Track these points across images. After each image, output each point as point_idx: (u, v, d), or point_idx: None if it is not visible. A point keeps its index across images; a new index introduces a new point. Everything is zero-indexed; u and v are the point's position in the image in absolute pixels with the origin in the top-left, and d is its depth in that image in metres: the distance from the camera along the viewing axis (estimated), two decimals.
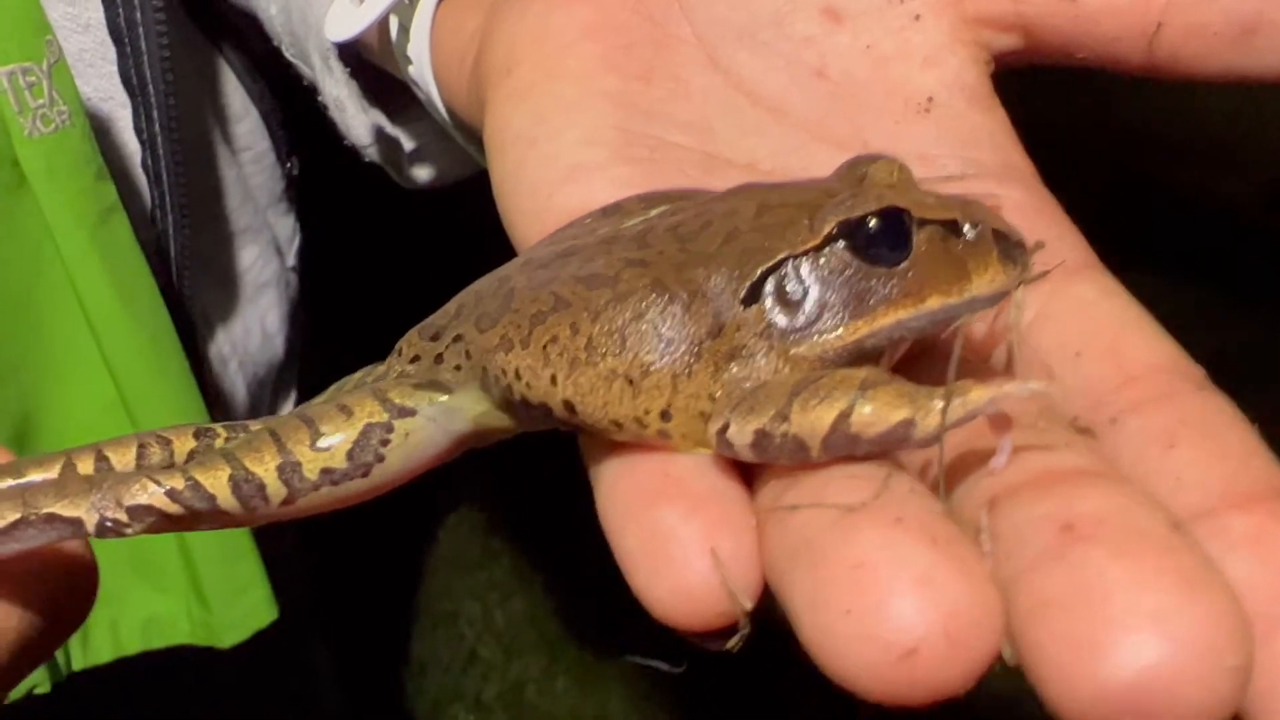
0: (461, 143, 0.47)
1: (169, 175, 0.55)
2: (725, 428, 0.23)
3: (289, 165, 0.70)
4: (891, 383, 0.22)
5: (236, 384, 0.68)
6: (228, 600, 0.54)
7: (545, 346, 0.25)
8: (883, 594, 0.19)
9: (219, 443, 0.29)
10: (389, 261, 1.33)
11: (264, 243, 0.69)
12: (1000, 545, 0.20)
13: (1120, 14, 0.31)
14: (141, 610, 0.54)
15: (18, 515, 0.25)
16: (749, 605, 0.21)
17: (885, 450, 0.22)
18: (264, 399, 0.69)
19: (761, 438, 0.22)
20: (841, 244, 0.24)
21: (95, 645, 0.53)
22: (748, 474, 0.24)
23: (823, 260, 0.24)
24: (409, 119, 0.52)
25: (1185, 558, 0.19)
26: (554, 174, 0.31)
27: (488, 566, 1.64)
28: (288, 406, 0.71)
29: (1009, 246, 0.25)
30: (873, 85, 0.33)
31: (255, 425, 0.29)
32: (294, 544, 0.65)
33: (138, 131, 0.54)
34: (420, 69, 0.44)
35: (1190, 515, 0.21)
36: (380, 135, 0.52)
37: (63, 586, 0.27)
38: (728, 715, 1.39)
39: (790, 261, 0.24)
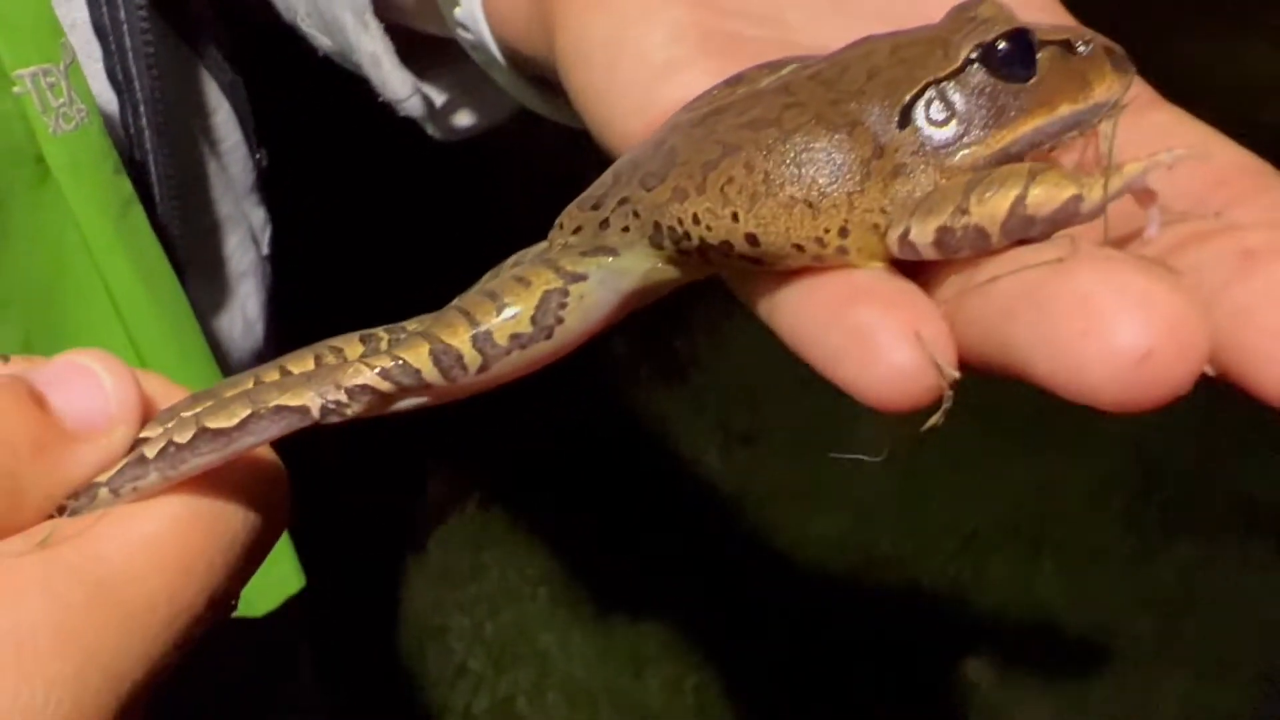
0: (504, 83, 0.48)
1: (156, 168, 0.58)
2: (907, 232, 0.26)
3: (259, 157, 0.73)
4: (1054, 168, 0.26)
5: (221, 371, 0.70)
6: (260, 571, 0.56)
7: (723, 188, 0.27)
8: (1115, 313, 0.22)
9: (383, 345, 0.32)
10: (356, 249, 1.35)
11: (242, 232, 0.72)
12: (1190, 278, 0.23)
13: None
14: None
15: (248, 411, 0.27)
16: (956, 374, 0.24)
17: (1058, 227, 0.25)
18: None
19: (943, 234, 0.26)
20: (977, 65, 0.28)
21: None
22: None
23: (963, 81, 0.28)
24: (436, 76, 0.55)
25: None
26: (650, 71, 0.33)
27: (477, 580, 1.65)
28: None
29: (1118, 59, 0.29)
30: None
31: (412, 325, 0.32)
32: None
33: (124, 127, 0.56)
34: (469, 7, 0.46)
35: None
36: (418, 87, 0.55)
37: (272, 490, 0.29)
38: None
39: (934, 86, 0.28)
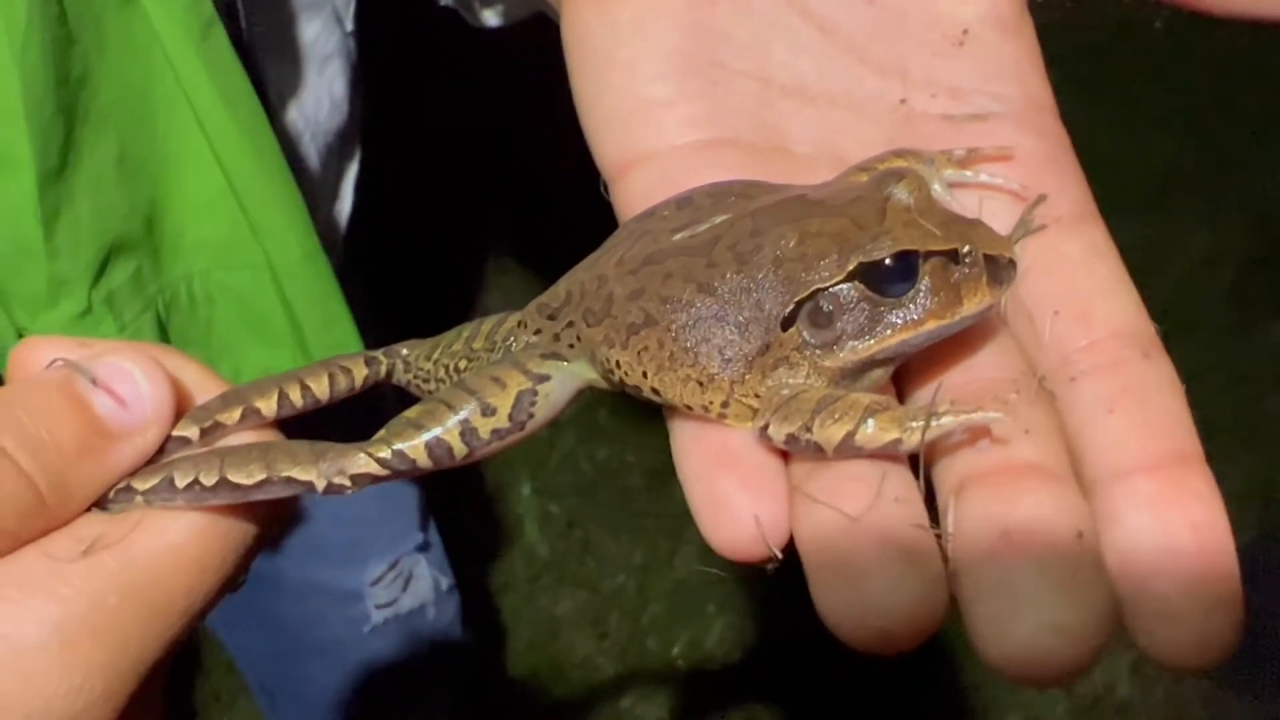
0: None
1: None
2: (766, 427, 0.32)
3: None
4: (888, 410, 0.30)
5: (310, 155, 0.72)
6: (328, 355, 0.61)
7: (639, 352, 0.34)
8: (868, 586, 0.28)
9: (383, 368, 0.40)
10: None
11: (326, 14, 0.70)
12: (958, 535, 0.29)
13: None
14: (257, 361, 0.61)
15: (264, 476, 0.33)
16: (779, 555, 0.30)
17: (881, 457, 0.31)
18: (332, 165, 0.73)
19: (791, 440, 0.31)
20: (859, 282, 0.32)
21: None
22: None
23: (844, 293, 0.32)
24: None
25: (1081, 564, 0.28)
26: (633, 104, 0.37)
27: None
28: (352, 169, 0.75)
29: (998, 269, 0.32)
30: (914, 14, 0.37)
31: (419, 373, 0.40)
32: (365, 312, 0.70)
33: None
34: None
35: (1112, 475, 0.30)
36: None
37: (275, 503, 0.34)
38: None
39: (820, 294, 0.32)
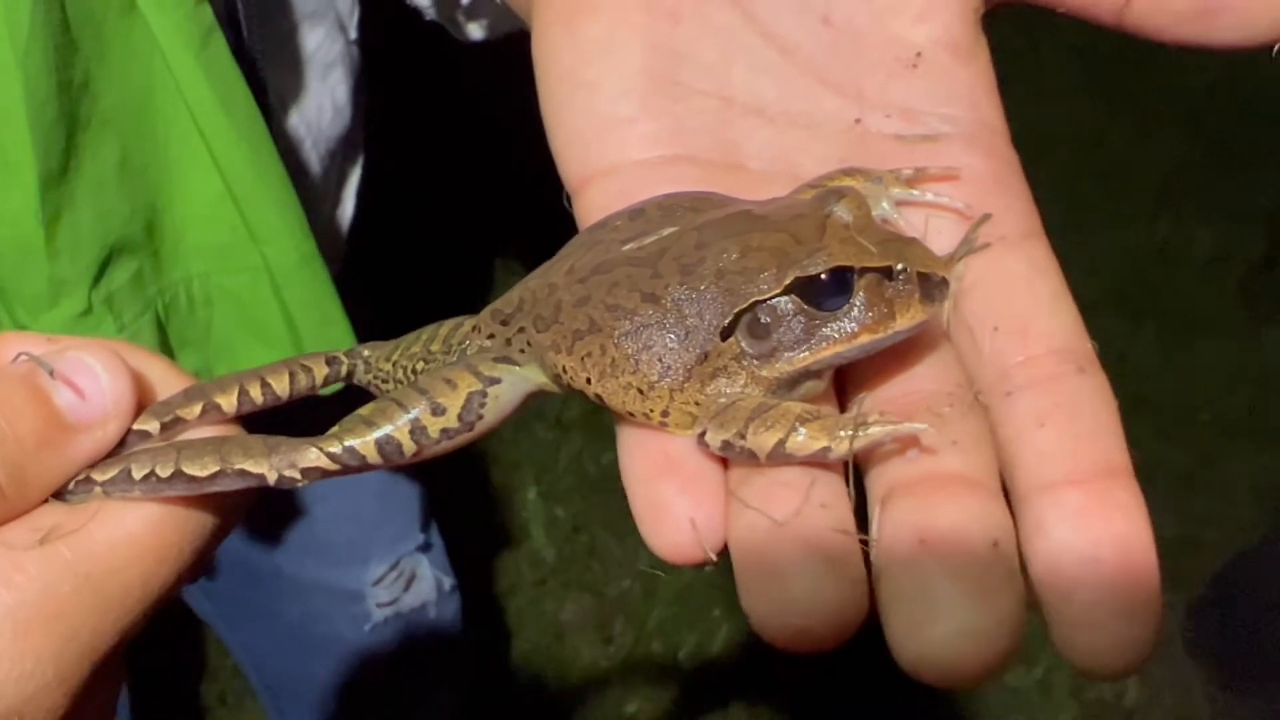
0: (503, 4, 0.51)
1: None
2: (704, 433, 0.33)
3: None
4: (817, 418, 0.32)
5: (310, 161, 0.72)
6: None
7: (583, 358, 0.35)
8: (790, 587, 0.29)
9: (343, 369, 0.41)
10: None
11: (329, 22, 0.71)
12: (881, 541, 0.30)
13: None
14: (255, 362, 0.62)
15: (217, 468, 0.34)
16: (714, 557, 0.32)
17: (812, 464, 0.32)
18: (333, 171, 0.73)
19: (726, 446, 0.32)
20: (795, 295, 0.33)
21: None
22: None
23: (780, 306, 0.33)
24: None
25: (994, 572, 0.29)
26: (596, 123, 0.38)
27: None
28: (354, 175, 0.75)
29: (931, 287, 0.33)
30: (870, 36, 0.38)
31: (363, 362, 0.42)
32: (364, 314, 0.70)
33: None
34: None
35: (1040, 487, 0.31)
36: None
37: (230, 496, 0.35)
38: None
39: (758, 306, 0.33)
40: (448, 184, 1.77)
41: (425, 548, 0.95)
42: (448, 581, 0.97)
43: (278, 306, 0.61)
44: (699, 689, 1.52)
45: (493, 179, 1.80)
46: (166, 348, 0.60)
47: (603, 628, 1.56)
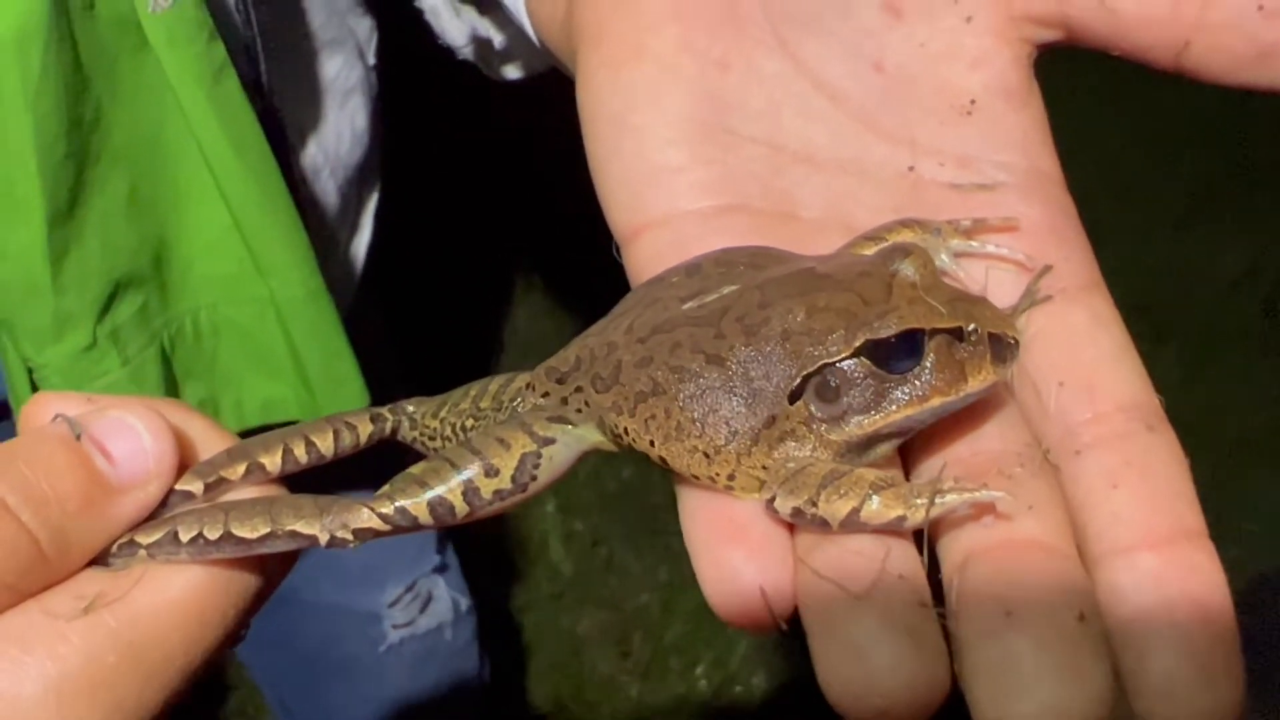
0: (541, 48, 0.51)
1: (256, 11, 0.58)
2: (773, 499, 0.32)
3: None
4: (892, 486, 0.31)
5: (328, 190, 0.73)
6: (329, 390, 0.62)
7: (646, 421, 0.34)
8: (871, 663, 0.29)
9: (388, 425, 0.40)
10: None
11: (348, 50, 0.72)
12: (961, 611, 0.30)
13: (1154, 28, 0.34)
14: (259, 393, 0.62)
15: (268, 530, 0.33)
16: (784, 626, 0.31)
17: (885, 532, 0.31)
18: (352, 199, 0.74)
19: (797, 514, 0.32)
20: (865, 359, 0.32)
21: (224, 421, 0.62)
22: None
23: (850, 368, 0.32)
24: (497, 21, 0.58)
25: (1083, 645, 0.28)
26: (645, 169, 0.38)
27: None
28: (372, 201, 0.76)
29: (1002, 348, 0.33)
30: (923, 83, 0.37)
31: (422, 431, 0.40)
32: (382, 339, 0.71)
33: None
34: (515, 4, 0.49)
35: (1115, 551, 0.31)
36: (473, 36, 0.58)
37: (274, 556, 0.35)
38: None
39: (827, 369, 0.32)
40: (465, 208, 1.78)
41: (441, 569, 0.95)
42: (464, 602, 0.98)
43: (283, 339, 0.61)
44: (717, 704, 1.51)
45: (509, 203, 1.81)
46: (171, 379, 0.60)
47: (621, 642, 1.55)
